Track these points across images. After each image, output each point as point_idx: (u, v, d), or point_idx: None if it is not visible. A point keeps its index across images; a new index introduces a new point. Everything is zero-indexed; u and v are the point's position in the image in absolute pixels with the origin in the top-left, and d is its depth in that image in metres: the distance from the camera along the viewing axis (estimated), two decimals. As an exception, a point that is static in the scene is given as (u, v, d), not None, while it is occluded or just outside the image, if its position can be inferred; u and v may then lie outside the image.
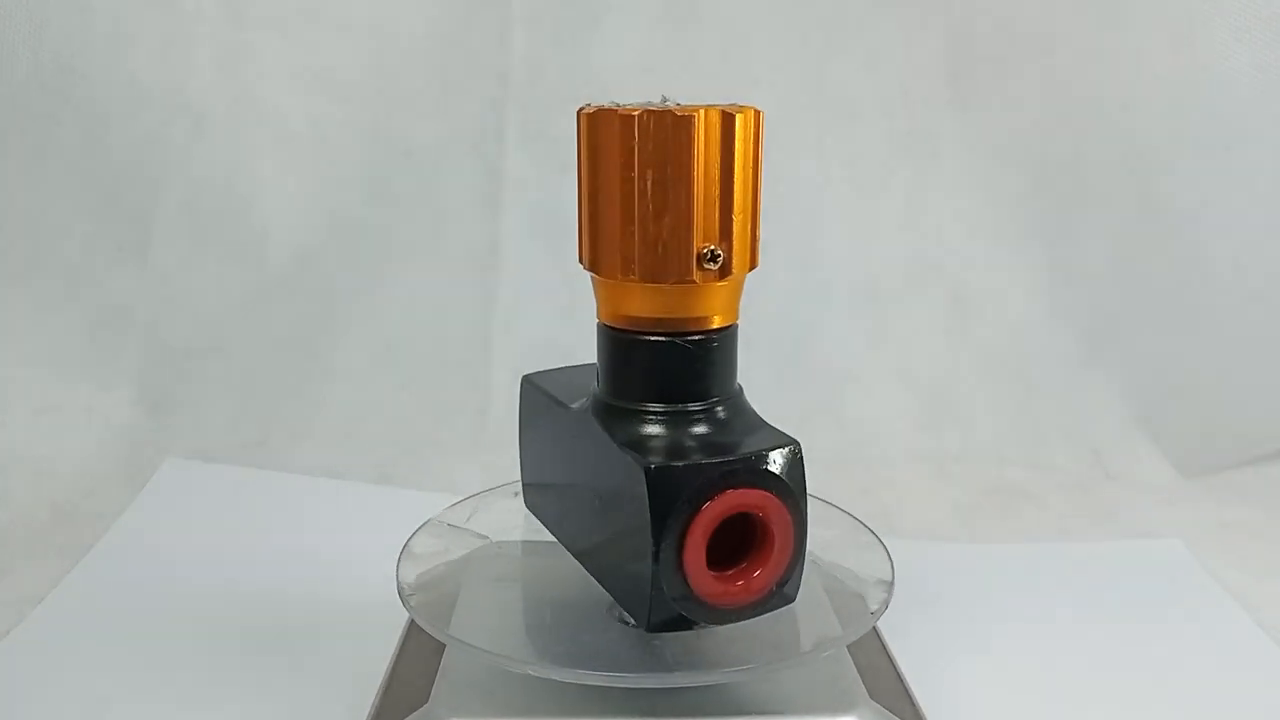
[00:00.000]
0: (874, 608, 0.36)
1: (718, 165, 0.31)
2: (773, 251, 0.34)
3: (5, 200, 0.70)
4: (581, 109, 0.32)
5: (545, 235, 0.75)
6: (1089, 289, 0.75)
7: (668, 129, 0.30)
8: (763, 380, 0.36)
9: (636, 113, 0.30)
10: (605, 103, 0.32)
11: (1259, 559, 0.59)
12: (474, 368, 0.75)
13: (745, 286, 0.34)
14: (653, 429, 0.33)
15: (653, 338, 0.33)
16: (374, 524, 0.51)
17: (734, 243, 0.32)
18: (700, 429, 0.33)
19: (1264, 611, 0.52)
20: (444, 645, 0.36)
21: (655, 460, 0.31)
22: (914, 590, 0.45)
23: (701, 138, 0.31)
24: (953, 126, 0.74)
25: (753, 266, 0.33)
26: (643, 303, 0.33)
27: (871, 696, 0.34)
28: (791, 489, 0.32)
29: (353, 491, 0.64)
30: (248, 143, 0.73)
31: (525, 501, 0.41)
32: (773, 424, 0.34)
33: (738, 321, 0.34)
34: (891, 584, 0.37)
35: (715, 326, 0.33)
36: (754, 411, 0.35)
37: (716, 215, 0.32)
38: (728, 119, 0.31)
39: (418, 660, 0.38)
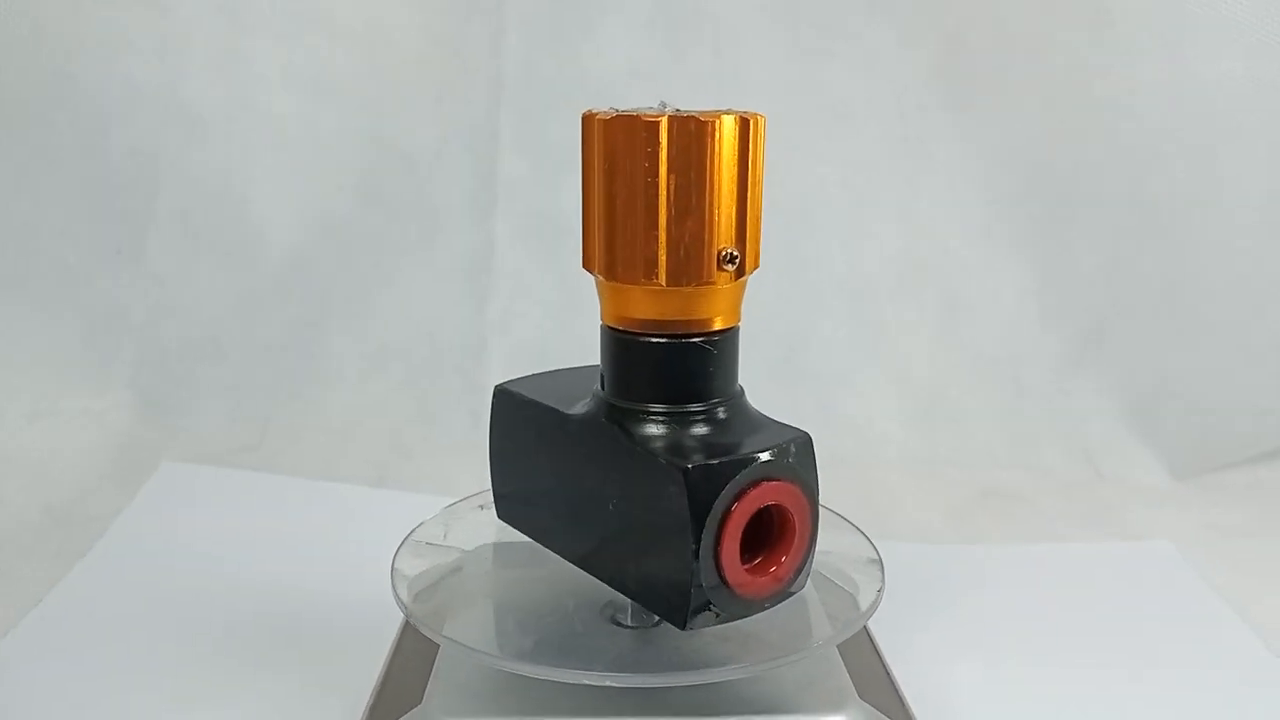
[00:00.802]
0: (864, 608, 0.36)
1: (735, 169, 0.32)
2: (765, 253, 0.34)
3: (1, 203, 0.70)
4: (592, 114, 0.32)
5: (539, 238, 0.76)
6: (1081, 291, 0.75)
7: (691, 134, 0.31)
8: (755, 382, 0.36)
9: (659, 118, 0.31)
10: (604, 107, 0.32)
11: (1249, 560, 0.59)
12: (468, 370, 0.75)
13: (740, 288, 0.34)
14: (674, 429, 0.33)
15: (673, 340, 0.33)
16: (369, 526, 0.51)
17: (747, 244, 0.33)
18: (716, 427, 0.33)
19: (1253, 613, 0.52)
20: (438, 646, 0.36)
21: (692, 460, 0.31)
22: (905, 591, 0.45)
23: (721, 142, 0.31)
24: (945, 129, 0.75)
25: (755, 267, 0.34)
26: (659, 306, 0.33)
27: (861, 696, 0.35)
28: (808, 480, 0.33)
29: (348, 494, 0.64)
30: (243, 146, 0.73)
31: (499, 513, 0.40)
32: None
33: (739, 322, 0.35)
34: (882, 585, 0.38)
35: (725, 327, 0.34)
36: (754, 408, 0.35)
37: (734, 218, 0.32)
38: (744, 124, 0.31)
39: (412, 661, 0.38)
